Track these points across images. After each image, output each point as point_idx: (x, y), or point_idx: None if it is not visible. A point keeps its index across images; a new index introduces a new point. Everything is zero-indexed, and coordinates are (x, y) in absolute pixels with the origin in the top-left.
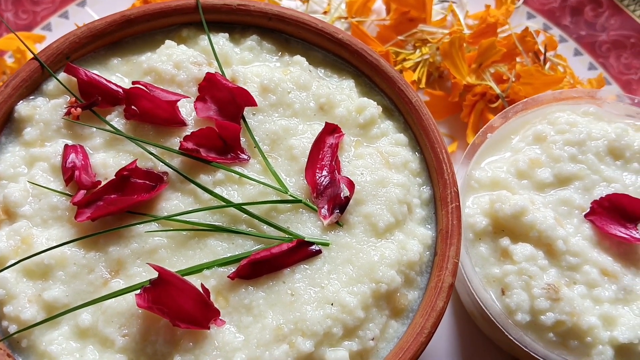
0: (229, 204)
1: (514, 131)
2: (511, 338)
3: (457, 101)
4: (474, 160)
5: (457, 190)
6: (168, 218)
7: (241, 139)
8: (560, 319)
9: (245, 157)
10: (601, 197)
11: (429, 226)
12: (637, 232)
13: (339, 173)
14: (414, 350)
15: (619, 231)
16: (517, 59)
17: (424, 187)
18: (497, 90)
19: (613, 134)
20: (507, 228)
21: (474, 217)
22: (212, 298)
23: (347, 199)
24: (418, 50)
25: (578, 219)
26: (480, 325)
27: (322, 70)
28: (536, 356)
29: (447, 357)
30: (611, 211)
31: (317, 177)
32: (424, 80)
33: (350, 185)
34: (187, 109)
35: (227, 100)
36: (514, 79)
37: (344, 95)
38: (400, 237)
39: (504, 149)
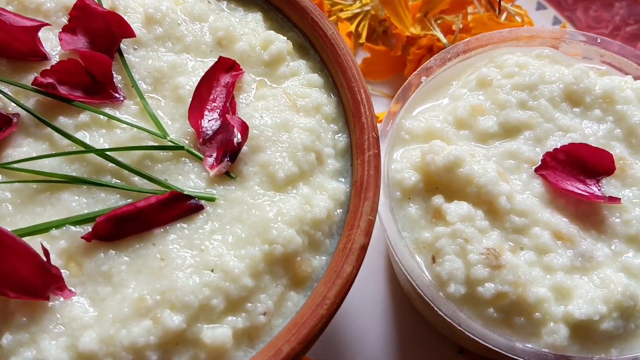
0: (88, 149)
1: (455, 76)
2: (442, 315)
3: (401, 56)
4: (405, 108)
5: (377, 135)
6: (7, 165)
7: (117, 76)
8: (501, 290)
9: (119, 96)
10: (555, 149)
11: (343, 180)
12: (599, 189)
13: (237, 116)
14: (312, 325)
15: (577, 187)
16: (470, 9)
17: (341, 134)
18: (445, 42)
19: (571, 76)
20: (441, 184)
21: (402, 172)
22: (61, 264)
23: (240, 145)
24: (359, 1)
25: (527, 174)
26: (416, 305)
27: (225, 3)
28: (473, 336)
29: (383, 345)
30: (568, 165)
31: (205, 120)
32: (364, 34)
33: (244, 128)
34: (53, 43)
35: (101, 31)
36: (461, 26)
37: (247, 29)
38: (305, 191)
39: (443, 96)
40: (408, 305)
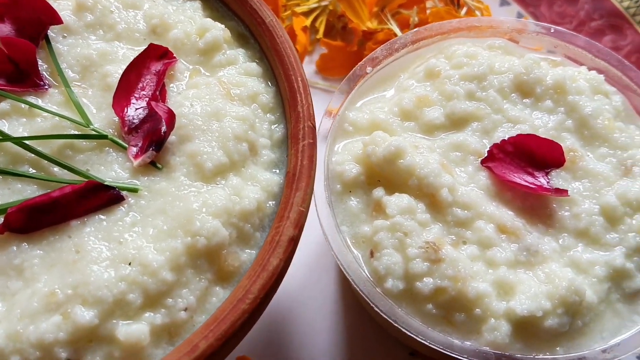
0: (5, 138)
1: (404, 68)
2: (378, 311)
3: (358, 51)
4: (349, 99)
5: (313, 125)
6: None
7: (44, 64)
8: (440, 285)
9: (43, 85)
10: (503, 140)
11: (278, 171)
12: (547, 181)
13: (166, 104)
14: (232, 321)
15: (524, 180)
16: (429, 4)
17: (278, 125)
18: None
19: (521, 66)
20: (382, 177)
21: (343, 164)
22: None
23: (166, 134)
24: None
25: (473, 166)
26: (363, 304)
27: None
28: (410, 334)
29: (332, 348)
30: (516, 156)
31: (131, 108)
32: (321, 30)
33: (170, 116)
34: None
35: (29, 19)
36: (417, 20)
37: (183, 17)
38: (235, 182)
39: (389, 88)
40: (359, 307)
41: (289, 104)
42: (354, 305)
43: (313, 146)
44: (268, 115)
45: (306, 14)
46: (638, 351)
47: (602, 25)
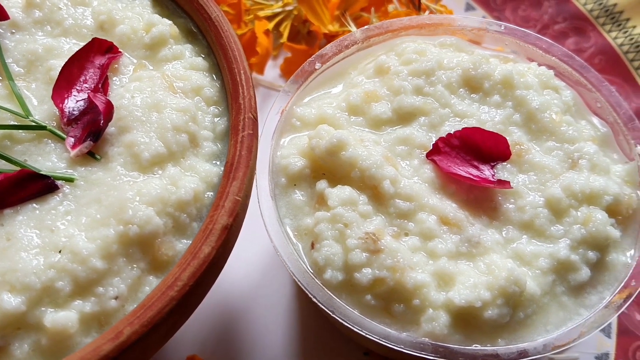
0: None
1: (355, 65)
2: (317, 302)
3: None
4: (297, 95)
5: (254, 117)
6: None
7: None
8: (379, 275)
9: None
10: (449, 134)
11: (218, 163)
12: (492, 174)
13: (105, 96)
14: (159, 308)
15: (468, 172)
16: (390, 7)
17: (221, 118)
18: None
19: (469, 62)
20: (327, 170)
21: (288, 158)
22: None
23: (103, 124)
24: (281, 0)
25: (419, 160)
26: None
27: None
28: (347, 324)
29: (285, 349)
30: (462, 150)
31: (71, 100)
32: (286, 34)
33: (107, 107)
34: None
35: None
36: (376, 22)
37: (130, 13)
38: (173, 172)
39: (339, 84)
40: (313, 307)
41: (231, 96)
42: (309, 305)
43: (253, 137)
44: (212, 108)
45: (270, 18)
46: (578, 343)
47: (565, 28)
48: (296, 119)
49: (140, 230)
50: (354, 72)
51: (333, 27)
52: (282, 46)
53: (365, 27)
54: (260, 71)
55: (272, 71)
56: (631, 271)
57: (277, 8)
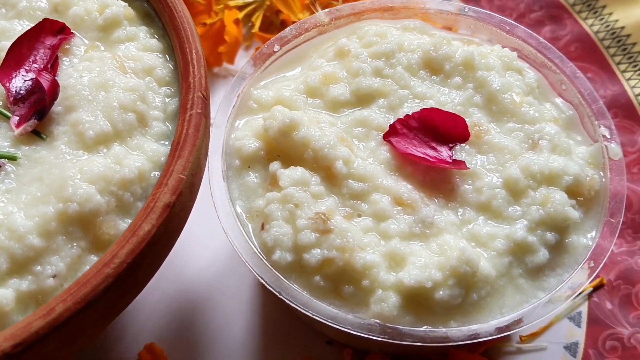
0: None
1: (316, 49)
2: (264, 283)
3: None
4: (255, 77)
5: (204, 96)
6: None
7: None
8: (328, 256)
9: None
10: (407, 115)
11: (167, 143)
12: (451, 155)
13: (52, 75)
14: (94, 285)
15: (424, 153)
16: None
17: (173, 99)
18: None
19: (430, 44)
20: (281, 152)
21: (242, 140)
22: None
23: (48, 103)
24: None
25: (376, 142)
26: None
27: None
28: (294, 305)
29: (246, 339)
30: (420, 131)
31: (18, 79)
32: (257, 24)
33: (52, 85)
34: None
35: None
36: None
37: None
38: (118, 151)
39: (299, 68)
40: (276, 296)
41: (182, 75)
42: (272, 295)
43: (201, 116)
44: (164, 89)
45: (241, 7)
46: (546, 333)
47: (541, 16)
48: (253, 101)
49: (80, 208)
50: (315, 56)
51: (303, 16)
52: (254, 36)
53: (327, 10)
54: (231, 60)
55: (243, 61)
56: (589, 253)
57: None
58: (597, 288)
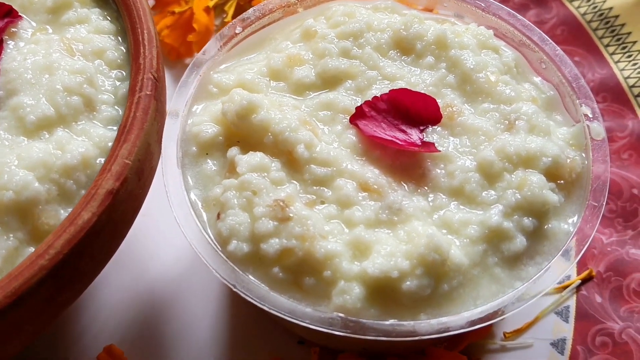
0: None
1: (281, 31)
2: (218, 276)
3: None
4: (215, 60)
5: (155, 77)
6: None
7: None
8: (287, 245)
9: None
10: (375, 97)
11: (116, 127)
12: (421, 138)
13: None
14: (27, 277)
15: (393, 136)
16: None
17: (124, 82)
18: None
19: (400, 23)
20: (241, 137)
21: (199, 125)
22: None
23: None
24: None
25: (343, 125)
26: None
27: None
28: (250, 299)
29: (216, 340)
30: (389, 114)
31: None
32: (230, 12)
33: None
34: None
35: None
36: None
37: None
38: (61, 136)
39: (263, 51)
40: None
41: (133, 56)
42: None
43: (151, 98)
44: (115, 72)
45: None
46: (533, 329)
47: None
48: (213, 85)
49: (17, 196)
50: (280, 38)
51: None
52: (224, 25)
53: None
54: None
55: None
56: (569, 239)
57: None
58: (585, 280)
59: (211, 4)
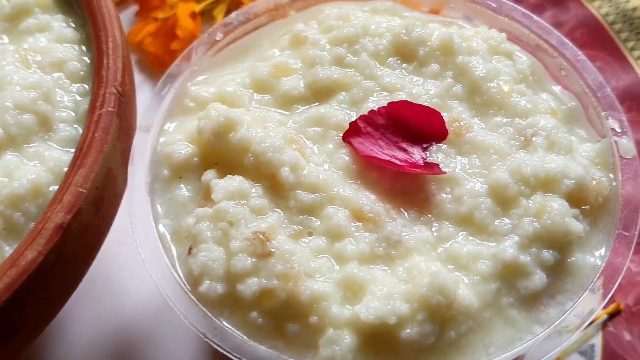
0: None
1: (269, 37)
2: (186, 322)
3: None
4: (193, 70)
5: (120, 92)
6: None
7: None
8: (266, 286)
9: None
10: (371, 111)
11: (74, 149)
12: (424, 157)
13: None
14: None
15: (392, 156)
16: None
17: (87, 97)
18: None
19: (401, 26)
20: (220, 158)
21: (172, 145)
22: None
23: None
24: None
25: (334, 143)
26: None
27: None
28: (222, 350)
29: None
30: (388, 130)
31: None
32: (219, 18)
33: None
34: None
35: None
36: None
37: None
38: (9, 160)
39: (248, 59)
40: None
41: (95, 68)
42: None
43: (112, 115)
44: (77, 85)
45: (199, 0)
46: None
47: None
48: (190, 99)
49: None
50: (267, 45)
51: None
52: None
53: None
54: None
55: None
56: (598, 274)
57: None
58: (612, 315)
59: (198, 9)
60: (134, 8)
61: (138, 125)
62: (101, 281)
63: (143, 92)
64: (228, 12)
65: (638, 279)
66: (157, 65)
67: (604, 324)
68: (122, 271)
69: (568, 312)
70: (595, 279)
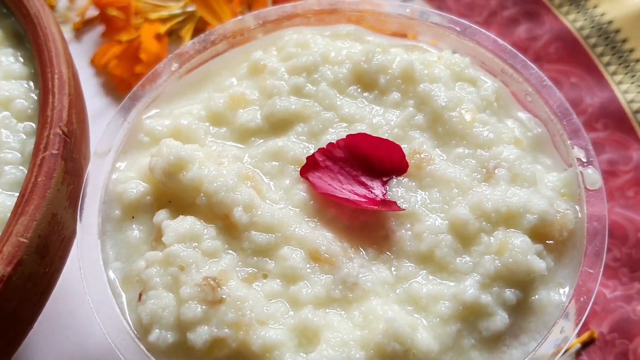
0: None
1: (228, 66)
2: None
3: None
4: (147, 103)
5: (65, 133)
6: None
7: None
8: (217, 335)
9: None
10: (329, 144)
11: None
12: (384, 192)
13: None
14: None
15: (351, 192)
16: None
17: (33, 137)
18: None
19: (361, 54)
20: (173, 197)
21: (125, 183)
22: None
23: None
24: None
25: (292, 179)
26: None
27: None
28: None
29: None
30: (347, 163)
31: None
32: (187, 38)
33: None
34: None
35: None
36: None
37: None
38: None
39: (205, 90)
40: None
41: (41, 107)
42: None
43: (57, 158)
44: (24, 124)
45: (165, 20)
46: None
47: (515, 14)
48: (144, 133)
49: None
50: (225, 74)
51: None
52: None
53: (239, 17)
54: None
55: None
56: (561, 314)
57: (175, 9)
58: (586, 344)
59: (163, 30)
60: (100, 29)
61: (94, 152)
62: (67, 313)
63: (109, 116)
64: (196, 31)
65: (612, 305)
66: (123, 89)
67: (577, 354)
68: (82, 310)
69: (532, 351)
70: (559, 317)
